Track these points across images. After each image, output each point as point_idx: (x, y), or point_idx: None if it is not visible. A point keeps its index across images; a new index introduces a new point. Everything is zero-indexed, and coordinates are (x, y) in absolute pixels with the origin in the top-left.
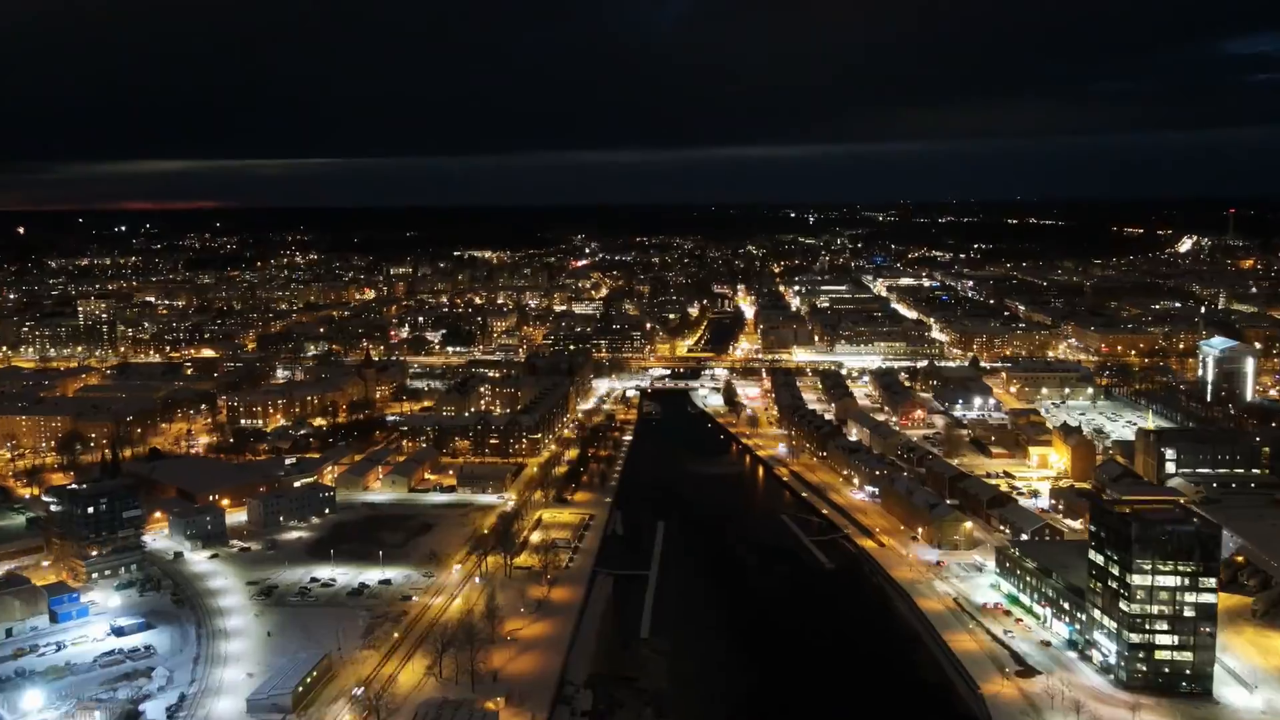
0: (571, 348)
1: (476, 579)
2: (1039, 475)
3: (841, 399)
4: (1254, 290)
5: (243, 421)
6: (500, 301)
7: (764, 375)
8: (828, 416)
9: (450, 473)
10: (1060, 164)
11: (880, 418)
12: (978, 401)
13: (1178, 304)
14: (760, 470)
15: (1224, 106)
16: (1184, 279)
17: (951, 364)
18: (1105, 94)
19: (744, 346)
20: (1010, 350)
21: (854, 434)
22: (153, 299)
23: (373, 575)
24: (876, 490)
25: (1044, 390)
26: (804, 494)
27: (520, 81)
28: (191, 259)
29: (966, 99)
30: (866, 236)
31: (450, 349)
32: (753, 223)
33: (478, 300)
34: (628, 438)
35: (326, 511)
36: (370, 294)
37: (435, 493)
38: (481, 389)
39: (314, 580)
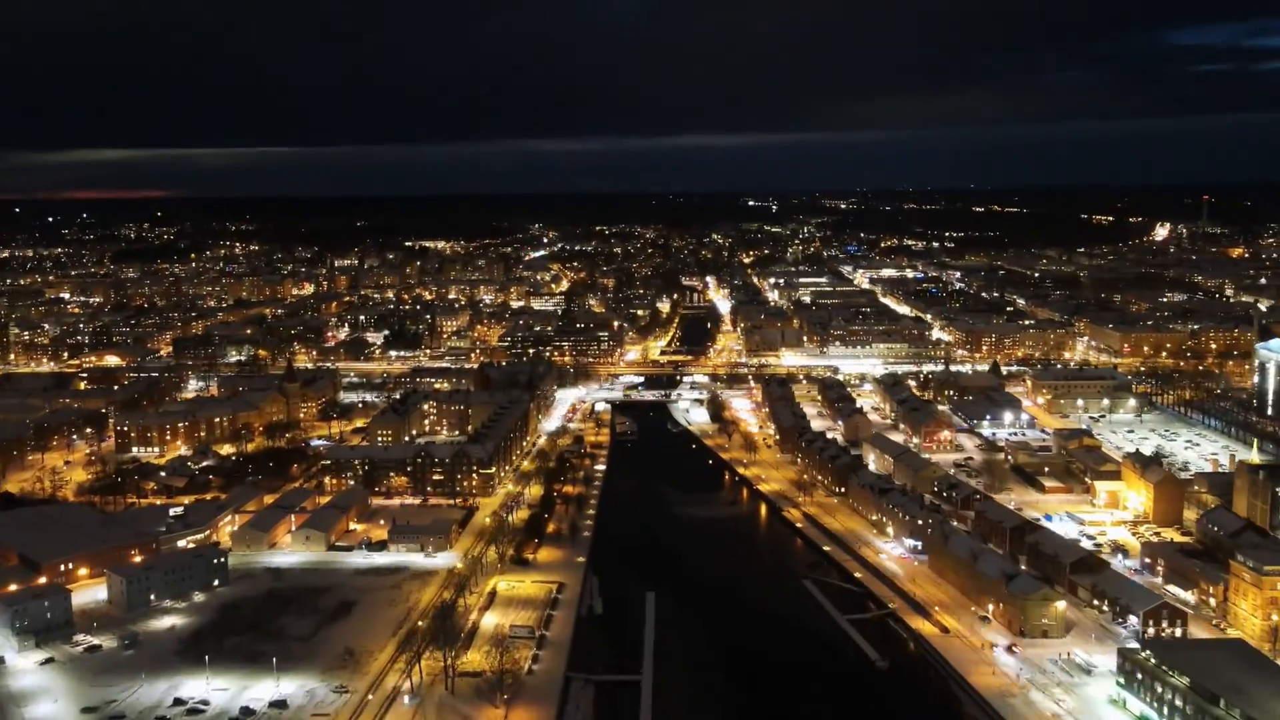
0: (530, 351)
1: (406, 698)
2: (1112, 519)
3: (850, 416)
4: (1263, 281)
5: (136, 450)
6: (452, 297)
7: (752, 383)
8: (833, 435)
9: (382, 522)
10: (1011, 152)
11: (895, 437)
12: (1008, 417)
13: (1181, 296)
14: (763, 509)
15: (1172, 96)
16: (1182, 269)
17: (961, 368)
18: (1054, 84)
19: (723, 346)
20: (1022, 352)
21: (871, 461)
22: (67, 295)
23: (262, 692)
24: (919, 545)
25: (1079, 402)
26: (826, 547)
27: (476, 69)
28: (123, 250)
29: (917, 89)
30: (833, 225)
31: (393, 353)
32: (715, 211)
33: (427, 296)
34: (600, 467)
35: (215, 584)
36: (309, 289)
37: (361, 551)
38: (425, 406)
39: (177, 703)
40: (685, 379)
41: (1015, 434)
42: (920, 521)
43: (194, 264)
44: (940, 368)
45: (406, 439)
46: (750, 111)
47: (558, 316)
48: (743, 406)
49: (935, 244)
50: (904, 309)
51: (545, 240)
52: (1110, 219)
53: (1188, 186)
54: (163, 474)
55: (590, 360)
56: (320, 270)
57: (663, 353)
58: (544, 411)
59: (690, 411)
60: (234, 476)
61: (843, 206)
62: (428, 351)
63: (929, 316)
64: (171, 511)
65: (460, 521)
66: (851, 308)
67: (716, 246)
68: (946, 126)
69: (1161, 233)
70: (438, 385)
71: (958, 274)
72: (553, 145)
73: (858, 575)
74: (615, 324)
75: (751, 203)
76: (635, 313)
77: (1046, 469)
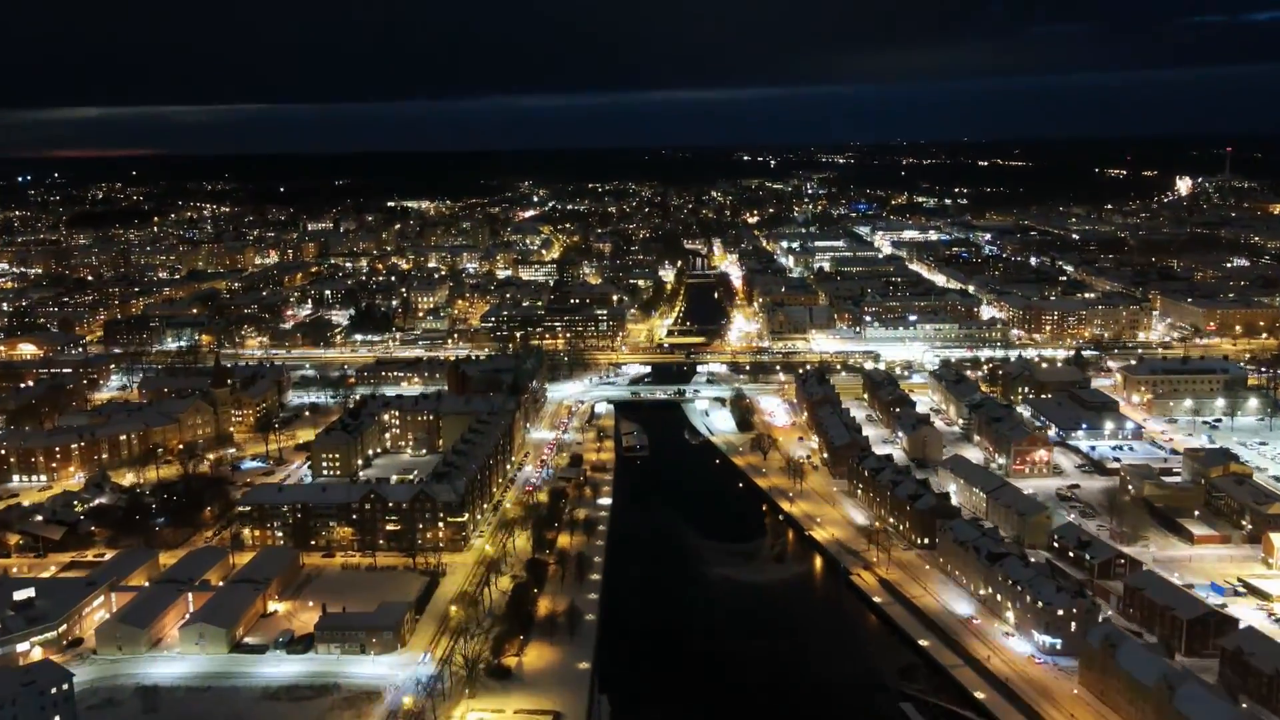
0: (517, 335)
1: None
2: None
3: (916, 428)
4: None
5: (18, 479)
6: (432, 265)
7: (782, 376)
8: (890, 448)
9: (310, 603)
10: (1000, 105)
11: (969, 453)
12: (1108, 426)
13: (1242, 261)
14: (820, 565)
15: (1162, 48)
16: (1233, 229)
17: (1022, 352)
18: (1042, 36)
19: (739, 326)
20: (1089, 333)
21: (952, 491)
22: (6, 265)
23: None
24: (1058, 643)
25: (1187, 402)
26: (922, 641)
27: (462, 23)
28: (85, 213)
29: (906, 42)
30: (834, 180)
31: (358, 337)
32: (710, 167)
33: (404, 265)
34: (604, 501)
35: None
36: (274, 257)
37: (276, 653)
38: (386, 417)
39: None
40: (700, 368)
41: (1122, 449)
42: (1060, 611)
43: (155, 228)
44: (999, 353)
45: (360, 461)
46: (741, 65)
47: (549, 289)
48: (773, 406)
49: (948, 201)
50: (938, 278)
51: (535, 199)
52: (1124, 173)
53: (1187, 138)
54: (37, 518)
55: (587, 345)
56: (291, 235)
57: (670, 333)
58: (533, 417)
59: (710, 415)
60: (129, 524)
61: (840, 161)
62: (398, 335)
63: (971, 288)
64: (16, 594)
65: (418, 600)
66: (880, 277)
67: (718, 205)
68: (932, 80)
69: (1183, 187)
70: (406, 381)
71: (986, 236)
72: (540, 100)
73: (979, 694)
74: (615, 298)
75: (746, 158)
76: (636, 284)
77: (1188, 508)
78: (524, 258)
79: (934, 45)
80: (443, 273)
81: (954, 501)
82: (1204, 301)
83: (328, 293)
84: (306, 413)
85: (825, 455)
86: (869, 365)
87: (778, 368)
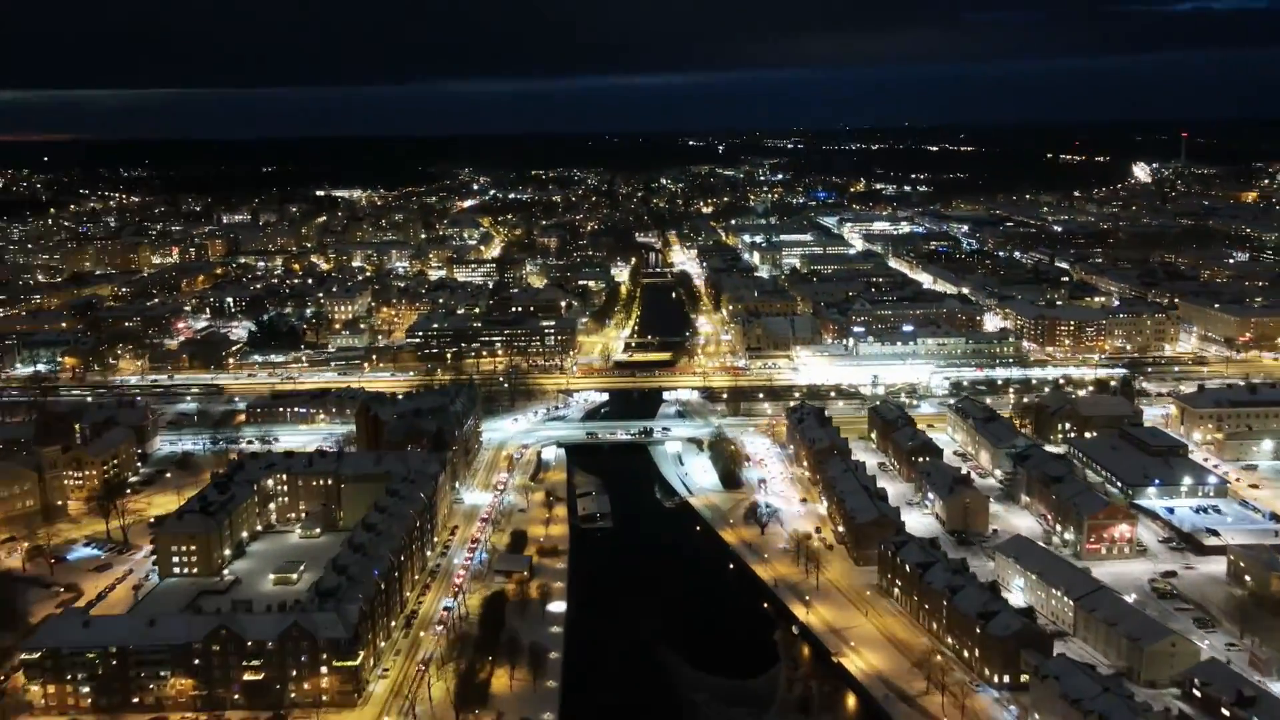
0: (450, 352)
1: None
2: None
3: (954, 491)
4: None
5: None
6: (356, 265)
7: (765, 404)
8: (920, 515)
9: None
10: (939, 92)
11: (1017, 519)
12: (1185, 480)
13: (1241, 256)
14: (853, 704)
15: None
16: (1221, 219)
17: (1037, 372)
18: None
19: (708, 336)
20: (1110, 345)
21: (1016, 588)
22: None
23: None
24: None
25: (1265, 444)
26: None
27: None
28: None
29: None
30: (785, 166)
31: (256, 359)
32: (657, 153)
33: (323, 265)
34: (556, 607)
35: None
36: (175, 256)
37: None
38: (271, 483)
39: None
40: (666, 394)
41: (1206, 512)
42: None
43: (50, 221)
44: (1014, 373)
45: (228, 551)
46: (681, 50)
47: (487, 293)
48: (761, 449)
49: (907, 188)
50: (923, 278)
51: (476, 187)
52: (1078, 158)
53: (1133, 124)
54: None
55: (532, 365)
56: (201, 230)
57: (627, 346)
58: (463, 473)
59: (686, 462)
60: None
61: (788, 146)
62: (307, 355)
63: (965, 290)
64: None
65: None
66: (860, 278)
67: (669, 194)
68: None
69: (1141, 174)
70: (309, 420)
71: (963, 228)
72: (484, 85)
73: None
74: (563, 304)
75: (693, 143)
76: (586, 285)
77: None
78: (460, 255)
79: (876, 31)
80: (368, 273)
81: (1016, 597)
82: (1234, 308)
83: (229, 300)
84: (168, 474)
85: (841, 529)
86: (868, 390)
87: (761, 395)
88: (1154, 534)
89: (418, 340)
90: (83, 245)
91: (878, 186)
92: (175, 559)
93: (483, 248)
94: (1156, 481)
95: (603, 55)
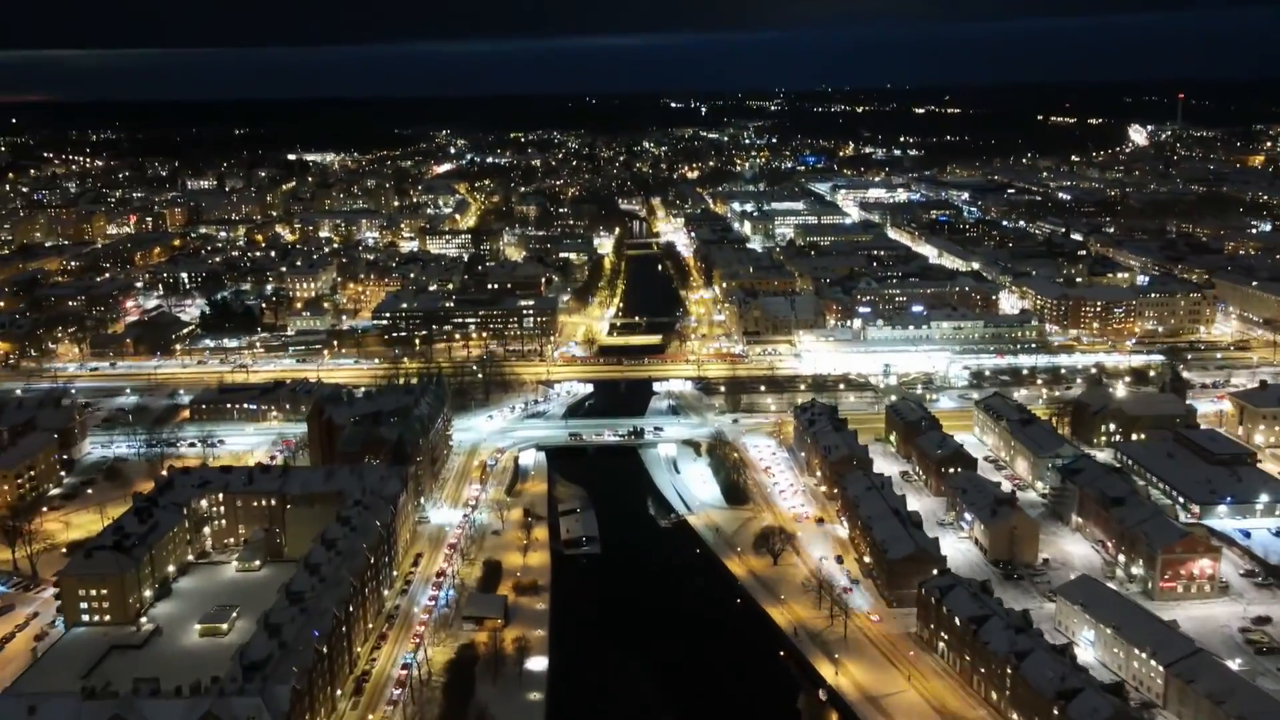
0: (419, 336)
1: None
2: None
3: (998, 514)
4: None
5: None
6: (324, 235)
7: (769, 399)
8: (956, 538)
9: None
10: (926, 51)
11: (1066, 543)
12: (1262, 497)
13: (1267, 225)
14: None
15: None
16: (1235, 185)
17: (1066, 360)
18: None
19: (699, 316)
20: (1138, 327)
21: (1087, 641)
22: None
23: None
24: None
25: None
26: None
27: None
28: None
29: None
30: (770, 129)
31: (208, 343)
32: (638, 114)
33: (288, 235)
34: (536, 664)
35: None
36: (132, 225)
37: None
38: (202, 504)
39: None
40: (657, 386)
41: None
42: None
43: (8, 188)
44: (1039, 360)
45: (149, 593)
46: (656, 9)
47: (462, 267)
48: (766, 454)
49: (898, 152)
50: (927, 250)
51: (453, 150)
52: (1070, 120)
53: (1123, 85)
54: None
55: (509, 350)
56: (164, 196)
57: (612, 328)
58: (430, 485)
59: (682, 469)
60: None
61: (771, 109)
62: (264, 338)
63: (977, 265)
64: None
65: None
66: (859, 251)
67: (653, 158)
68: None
69: (1138, 136)
70: (259, 418)
71: (963, 195)
72: (463, 46)
73: None
74: (543, 280)
75: (675, 105)
76: (567, 258)
77: None
78: (433, 226)
79: None
80: (335, 244)
81: (1084, 653)
82: (1275, 286)
83: (184, 276)
84: (92, 488)
85: (868, 559)
86: (879, 381)
87: (762, 387)
88: (1233, 565)
89: (384, 322)
90: (34, 214)
91: (867, 150)
92: (84, 605)
93: (458, 217)
94: (1227, 498)
95: (581, 14)
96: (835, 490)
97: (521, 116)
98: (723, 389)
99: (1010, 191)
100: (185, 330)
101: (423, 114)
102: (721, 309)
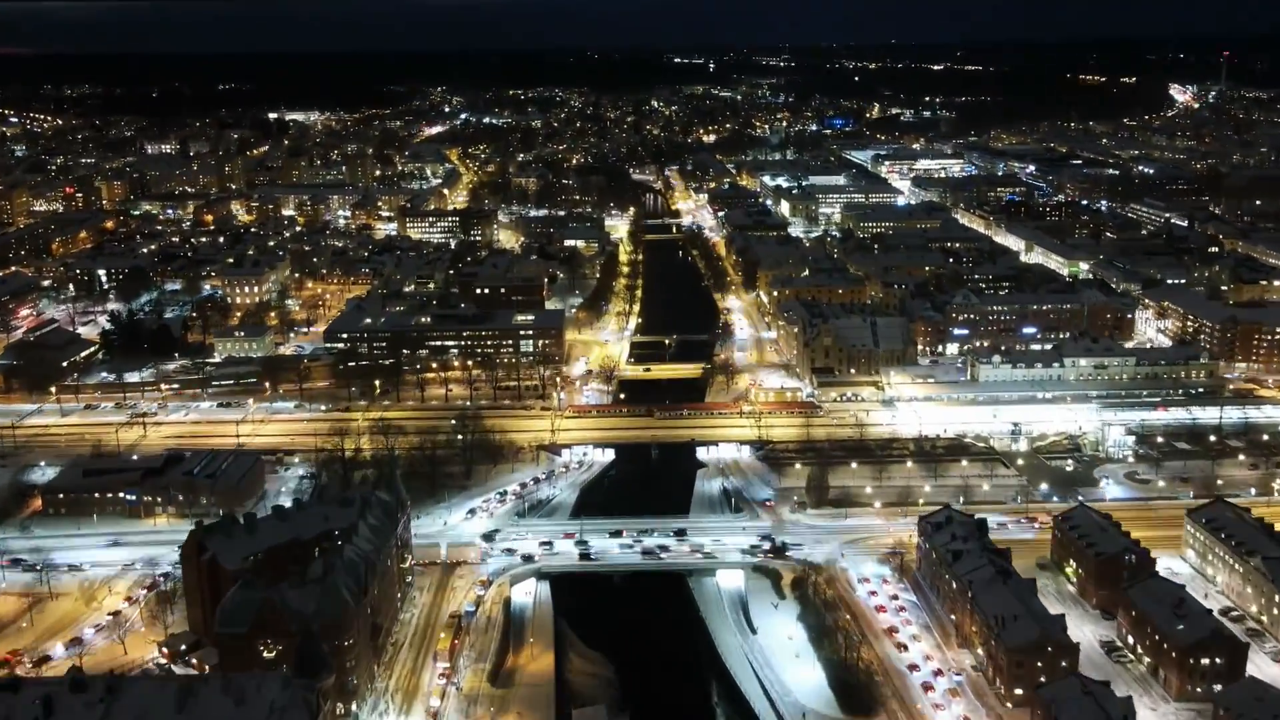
0: (383, 366)
1: None
2: None
3: None
4: None
5: None
6: (288, 214)
7: (877, 507)
8: None
9: None
10: (929, 4)
11: None
12: None
13: None
14: None
15: None
16: None
17: (1264, 414)
18: None
19: (743, 333)
20: None
21: None
22: None
23: None
24: None
25: None
26: None
27: None
28: None
29: None
30: (784, 88)
31: (105, 375)
32: (642, 71)
33: (243, 215)
34: None
35: None
36: (68, 198)
37: None
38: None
39: None
40: (701, 452)
41: None
42: None
43: None
44: (1230, 415)
45: None
46: None
47: (447, 259)
48: (884, 591)
49: (927, 113)
50: (1010, 241)
51: (448, 109)
52: (1100, 79)
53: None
54: None
55: (501, 386)
56: (115, 163)
57: (634, 351)
58: (365, 670)
59: (761, 628)
60: None
61: (780, 65)
62: (180, 368)
63: (1085, 266)
64: None
65: None
66: (926, 240)
67: (664, 119)
68: None
69: (1180, 97)
70: (143, 513)
71: (1028, 168)
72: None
73: None
74: (545, 278)
75: (679, 60)
76: (575, 247)
77: None
78: (415, 205)
79: None
80: (299, 227)
81: None
82: None
83: (102, 273)
84: None
85: None
86: (1004, 443)
87: (852, 461)
88: None
89: (342, 344)
90: None
91: (894, 112)
92: None
93: (446, 191)
94: None
95: None
96: (1012, 684)
97: (521, 72)
98: (797, 465)
99: (1076, 163)
100: (85, 354)
101: (417, 69)
102: (771, 323)
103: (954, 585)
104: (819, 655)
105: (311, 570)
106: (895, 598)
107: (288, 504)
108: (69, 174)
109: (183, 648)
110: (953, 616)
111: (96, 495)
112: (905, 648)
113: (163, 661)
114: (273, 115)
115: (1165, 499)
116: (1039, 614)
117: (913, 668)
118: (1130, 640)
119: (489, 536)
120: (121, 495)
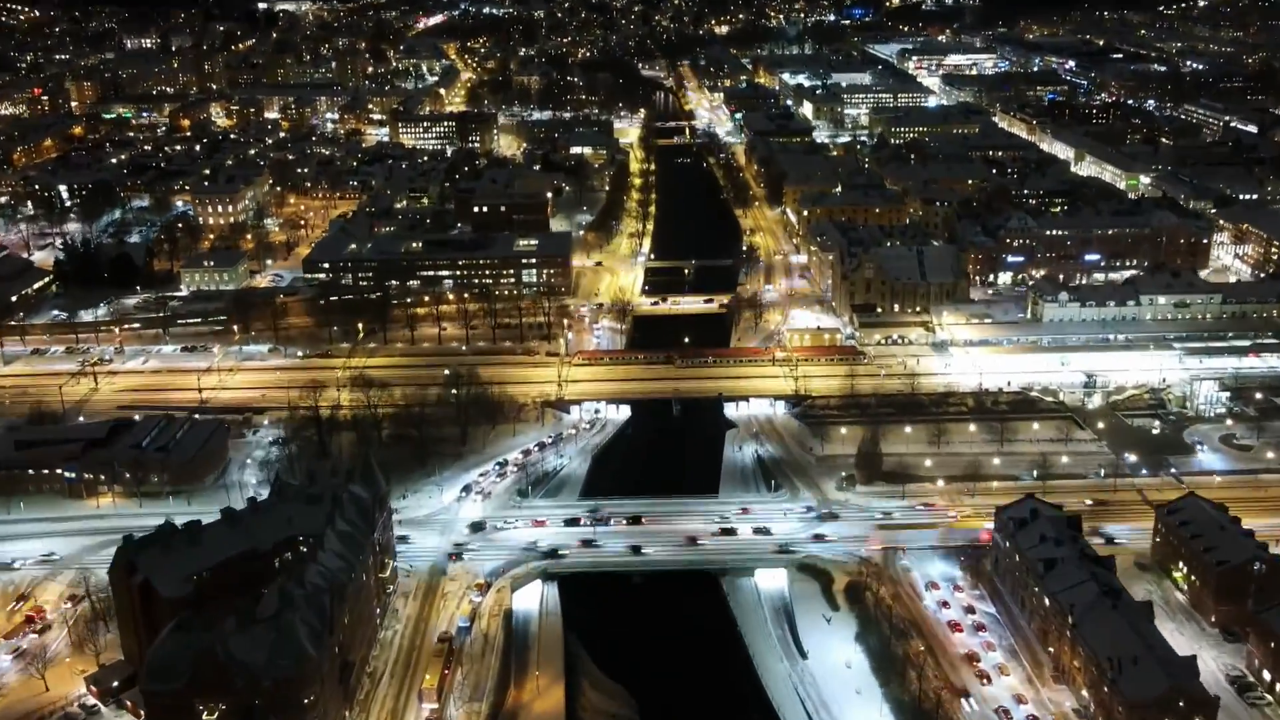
0: (369, 299)
1: None
2: None
3: None
4: None
5: None
6: (271, 117)
7: (925, 462)
8: None
9: None
10: None
11: None
12: None
13: None
14: None
15: None
16: None
17: None
18: None
19: (768, 251)
20: None
21: None
22: None
23: None
24: None
25: None
26: None
27: None
28: None
29: None
30: None
31: (57, 313)
32: None
33: (222, 120)
34: None
35: None
36: (35, 99)
37: None
38: None
39: None
40: (730, 410)
41: None
42: None
43: None
44: None
45: None
46: None
47: (442, 171)
48: (956, 602)
49: (950, 0)
50: (1057, 149)
51: None
52: None
53: None
54: None
55: (502, 325)
56: (88, 61)
57: (648, 279)
58: (357, 672)
59: (812, 648)
60: None
61: None
62: (141, 302)
63: (1146, 180)
64: None
65: None
66: (972, 150)
67: (674, 9)
68: None
69: None
70: (81, 492)
71: (1068, 64)
72: None
73: None
74: (549, 193)
75: None
76: (581, 154)
77: None
78: (409, 107)
79: None
80: (282, 133)
81: None
82: None
83: (64, 189)
84: None
85: None
86: (1074, 396)
87: (906, 425)
88: None
89: (324, 275)
90: None
91: None
92: None
93: (443, 91)
94: None
95: None
96: None
97: None
98: (842, 429)
99: (1117, 57)
100: (37, 286)
101: None
102: (800, 246)
103: (1047, 603)
104: (885, 693)
105: (263, 606)
106: (971, 610)
107: (254, 478)
108: (40, 72)
109: (115, 684)
110: (1048, 646)
111: (30, 472)
112: (989, 679)
113: (90, 702)
114: (262, 4)
115: (1273, 471)
116: (1163, 656)
117: (1003, 712)
118: (1267, 676)
119: (479, 526)
120: (59, 471)
